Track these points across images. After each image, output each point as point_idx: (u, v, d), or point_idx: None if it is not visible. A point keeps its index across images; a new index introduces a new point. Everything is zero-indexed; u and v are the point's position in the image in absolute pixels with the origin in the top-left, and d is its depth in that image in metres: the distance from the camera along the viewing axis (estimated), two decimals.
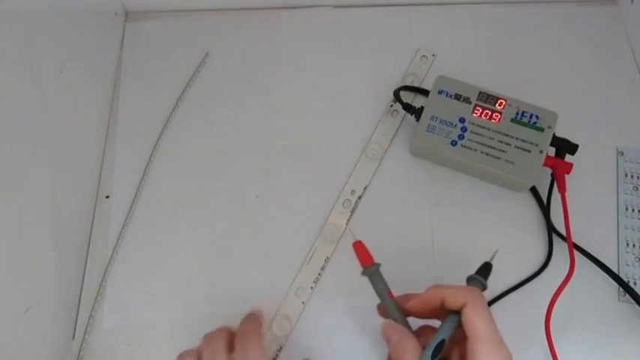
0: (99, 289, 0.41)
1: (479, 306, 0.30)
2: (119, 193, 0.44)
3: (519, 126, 0.41)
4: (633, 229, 0.43)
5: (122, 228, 0.43)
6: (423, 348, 0.30)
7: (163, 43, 0.51)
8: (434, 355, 0.29)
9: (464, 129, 0.41)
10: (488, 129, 0.41)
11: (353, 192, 0.44)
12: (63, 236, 0.38)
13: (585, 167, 0.43)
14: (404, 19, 0.52)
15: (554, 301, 0.38)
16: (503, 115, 0.41)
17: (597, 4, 0.53)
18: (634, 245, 0.42)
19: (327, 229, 0.43)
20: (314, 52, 0.50)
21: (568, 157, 0.42)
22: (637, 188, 0.44)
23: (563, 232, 0.41)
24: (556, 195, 0.42)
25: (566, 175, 0.41)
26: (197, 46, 0.50)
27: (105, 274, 0.41)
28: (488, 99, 0.42)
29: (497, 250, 0.36)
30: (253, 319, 0.36)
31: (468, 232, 0.43)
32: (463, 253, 0.42)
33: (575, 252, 0.40)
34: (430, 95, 0.43)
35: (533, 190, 0.44)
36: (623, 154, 0.45)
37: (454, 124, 0.42)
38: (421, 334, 0.34)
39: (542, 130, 0.41)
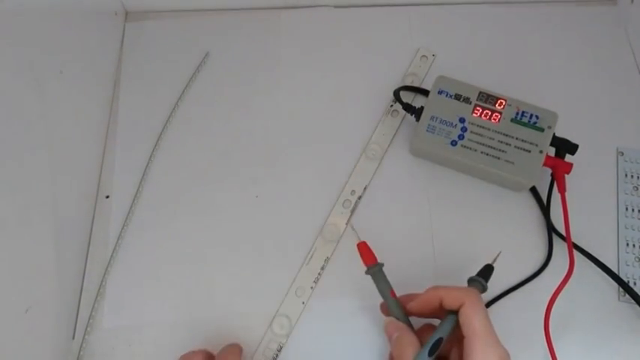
0: (99, 289, 0.41)
1: (476, 306, 0.31)
2: (119, 193, 0.44)
3: (519, 126, 0.41)
4: (633, 229, 0.43)
5: (122, 228, 0.43)
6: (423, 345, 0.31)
7: (163, 43, 0.51)
8: (431, 352, 0.30)
9: (464, 129, 0.41)
10: (488, 129, 0.41)
11: (353, 192, 0.44)
12: (63, 236, 0.38)
13: (585, 167, 0.43)
14: (404, 19, 0.52)
15: (554, 301, 0.38)
16: (503, 115, 0.41)
17: (597, 4, 0.52)
18: (634, 245, 0.42)
19: (327, 229, 0.43)
20: (314, 52, 0.50)
21: (568, 157, 0.42)
22: (637, 188, 0.44)
23: (563, 232, 0.41)
24: (556, 195, 0.42)
25: (566, 175, 0.41)
26: (197, 46, 0.50)
27: (105, 274, 0.41)
28: (488, 99, 0.42)
29: (500, 253, 0.37)
30: (234, 345, 0.36)
31: (467, 232, 0.43)
32: (463, 253, 0.42)
33: (575, 252, 0.40)
34: (430, 95, 0.43)
35: (533, 190, 0.44)
36: (623, 154, 0.45)
37: (454, 124, 0.42)
38: (423, 332, 0.35)
39: (542, 130, 0.41)
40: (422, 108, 0.43)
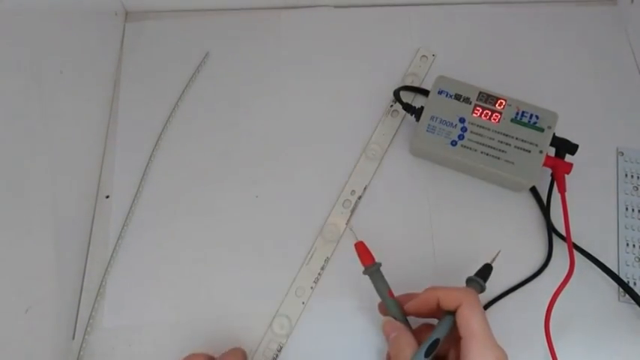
0: (99, 289, 0.41)
1: (473, 307, 0.31)
2: (119, 193, 0.44)
3: (519, 126, 0.41)
4: (633, 229, 0.43)
5: (122, 228, 0.43)
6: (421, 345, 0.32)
7: (163, 43, 0.51)
8: (428, 353, 0.31)
9: (464, 129, 0.41)
10: (488, 129, 0.41)
11: (353, 192, 0.44)
12: (63, 236, 0.38)
13: (585, 167, 0.43)
14: (404, 19, 0.52)
15: (554, 302, 0.38)
16: (503, 115, 0.41)
17: (597, 4, 0.52)
18: (634, 245, 0.42)
19: (327, 229, 0.43)
20: (314, 52, 0.50)
21: (568, 157, 0.42)
22: (637, 188, 0.44)
23: (563, 232, 0.41)
24: (556, 195, 0.42)
25: (566, 175, 0.41)
26: (197, 46, 0.50)
27: (105, 274, 0.41)
28: (488, 99, 0.42)
29: (499, 252, 0.37)
30: (237, 349, 0.36)
31: (467, 232, 0.43)
32: (463, 253, 0.42)
33: (575, 252, 0.40)
34: (430, 95, 0.43)
35: (533, 190, 0.44)
36: (623, 154, 0.45)
37: (454, 124, 0.42)
38: (421, 331, 0.35)
39: (542, 130, 0.41)
40: (422, 108, 0.43)
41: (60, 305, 0.38)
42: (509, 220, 0.43)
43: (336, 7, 0.52)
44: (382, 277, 0.36)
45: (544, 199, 0.43)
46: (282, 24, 0.51)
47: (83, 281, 0.41)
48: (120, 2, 0.51)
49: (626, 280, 0.41)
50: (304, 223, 0.43)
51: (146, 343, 0.39)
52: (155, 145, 0.46)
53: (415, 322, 0.35)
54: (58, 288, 0.38)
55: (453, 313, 0.32)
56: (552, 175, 0.42)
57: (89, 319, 0.40)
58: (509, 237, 0.42)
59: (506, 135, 0.41)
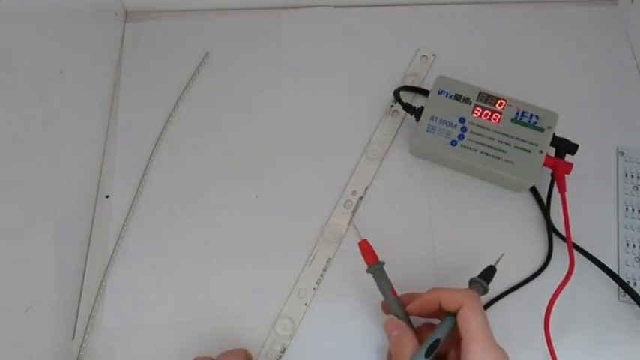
0: (99, 289, 0.41)
1: (473, 308, 0.31)
2: (119, 193, 0.44)
3: (519, 126, 0.41)
4: (633, 229, 0.43)
5: (122, 228, 0.43)
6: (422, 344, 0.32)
7: (163, 43, 0.51)
8: (428, 353, 0.31)
9: (464, 129, 0.41)
10: (488, 129, 0.41)
11: (354, 193, 0.44)
12: (63, 236, 0.38)
13: (585, 167, 0.43)
14: (404, 19, 0.52)
15: (554, 301, 0.38)
16: (503, 115, 0.41)
17: (597, 4, 0.52)
18: (634, 245, 0.42)
19: (329, 229, 0.43)
20: (314, 52, 0.50)
21: (568, 157, 0.42)
22: (637, 188, 0.44)
23: (563, 232, 0.41)
24: (556, 195, 0.42)
25: (566, 175, 0.41)
26: (197, 46, 0.50)
27: (105, 274, 0.41)
28: (488, 99, 0.42)
29: (503, 254, 0.37)
30: (241, 349, 0.36)
31: (467, 232, 0.43)
32: (463, 253, 0.42)
33: (575, 252, 0.40)
34: (430, 95, 0.43)
35: (533, 190, 0.44)
36: (623, 154, 0.45)
37: (454, 124, 0.42)
38: (422, 330, 0.35)
39: (542, 130, 0.41)
40: (422, 108, 0.43)
41: (60, 305, 0.38)
42: (509, 220, 0.43)
43: (336, 7, 0.52)
44: (385, 275, 0.36)
45: (544, 199, 0.43)
46: (282, 24, 0.51)
47: (83, 281, 0.41)
48: (120, 2, 0.51)
49: (626, 280, 0.41)
50: (306, 223, 0.43)
51: (146, 343, 0.39)
52: (155, 145, 0.46)
53: (417, 321, 0.35)
54: (58, 288, 0.38)
55: (454, 314, 0.32)
56: (552, 175, 0.42)
57: (89, 319, 0.40)
58: (509, 237, 0.42)
59: (506, 135, 0.41)
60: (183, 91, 0.48)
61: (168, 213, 0.44)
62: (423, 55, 0.50)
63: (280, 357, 0.39)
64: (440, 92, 0.42)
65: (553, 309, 0.38)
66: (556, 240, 0.42)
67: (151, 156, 0.45)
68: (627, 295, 0.40)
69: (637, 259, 0.42)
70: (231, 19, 0.52)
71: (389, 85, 0.48)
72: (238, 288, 0.41)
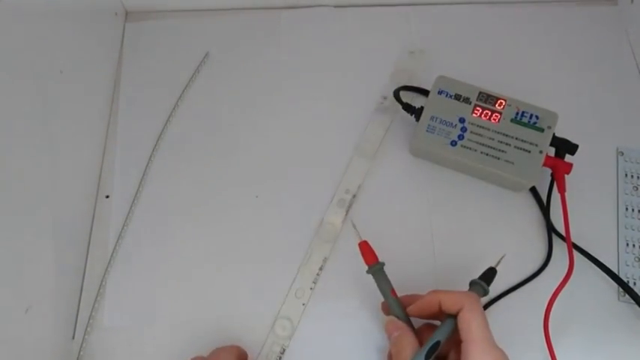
0: (99, 289, 0.41)
1: (474, 310, 0.31)
2: (119, 193, 0.44)
3: (519, 126, 0.41)
4: (633, 229, 0.43)
5: (122, 228, 0.43)
6: (422, 345, 0.32)
7: (163, 43, 0.51)
8: (428, 355, 0.31)
9: (464, 129, 0.41)
10: (488, 129, 0.41)
11: (347, 191, 0.44)
12: (63, 236, 0.38)
13: (585, 167, 0.43)
14: (404, 19, 0.52)
15: (553, 302, 0.38)
16: (503, 115, 0.41)
17: (597, 4, 0.53)
18: (634, 245, 0.42)
19: (324, 228, 0.43)
20: (314, 52, 0.50)
21: (568, 157, 0.42)
22: (637, 188, 0.44)
23: (563, 232, 0.41)
24: (556, 195, 0.42)
25: (566, 175, 0.41)
26: (197, 46, 0.50)
27: (105, 274, 0.41)
28: (488, 99, 0.42)
29: (504, 256, 0.37)
30: (234, 345, 0.36)
31: (467, 232, 0.43)
32: (463, 253, 0.42)
33: (575, 252, 0.40)
34: (430, 95, 0.43)
35: (533, 190, 0.44)
36: (623, 154, 0.45)
37: (454, 124, 0.42)
38: (423, 331, 0.35)
39: (542, 130, 0.41)
40: (422, 108, 0.43)
41: (60, 305, 0.38)
42: (509, 220, 0.43)
43: (336, 7, 0.52)
44: (385, 276, 0.36)
45: (544, 199, 0.43)
46: (282, 24, 0.51)
47: (83, 281, 0.41)
48: (120, 2, 0.51)
49: (626, 280, 0.41)
50: (302, 223, 0.43)
51: (146, 343, 0.39)
52: (155, 145, 0.46)
53: (417, 322, 0.35)
54: (58, 288, 0.38)
55: (454, 316, 0.32)
56: (552, 175, 0.42)
57: (89, 319, 0.40)
58: (509, 237, 0.42)
59: (506, 135, 0.41)
60: (183, 91, 0.48)
61: (168, 213, 0.44)
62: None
63: (280, 358, 0.39)
64: (440, 92, 0.42)
65: (553, 309, 0.38)
66: (556, 240, 0.42)
67: (150, 156, 0.45)
68: (627, 295, 0.40)
69: (637, 259, 0.42)
70: (231, 19, 0.52)
71: (389, 84, 0.48)
72: (237, 287, 0.41)
